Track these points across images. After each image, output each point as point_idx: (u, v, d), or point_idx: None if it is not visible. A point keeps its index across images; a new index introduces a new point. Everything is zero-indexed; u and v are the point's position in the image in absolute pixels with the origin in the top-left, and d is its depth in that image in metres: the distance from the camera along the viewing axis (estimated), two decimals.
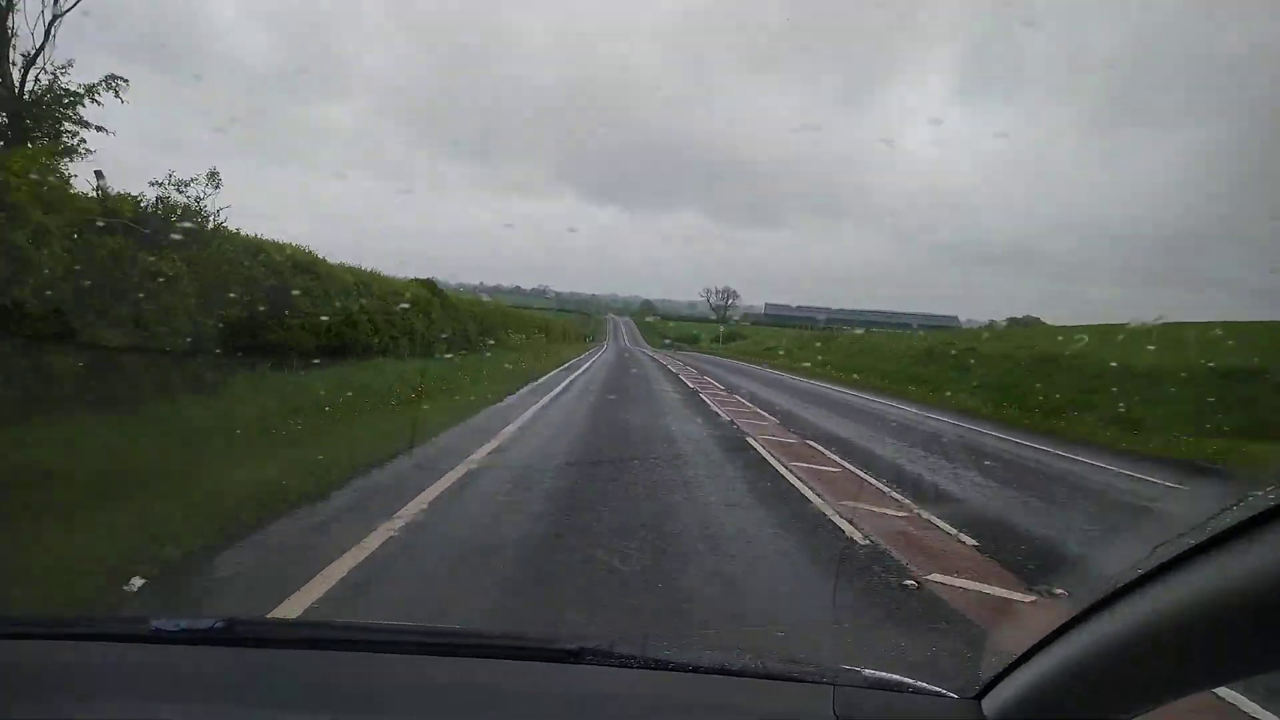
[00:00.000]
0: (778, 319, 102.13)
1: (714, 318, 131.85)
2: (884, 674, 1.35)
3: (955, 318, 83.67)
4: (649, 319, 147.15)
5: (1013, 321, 39.03)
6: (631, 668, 1.36)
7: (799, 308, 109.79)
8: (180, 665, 1.35)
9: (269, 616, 2.73)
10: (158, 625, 1.39)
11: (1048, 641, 1.04)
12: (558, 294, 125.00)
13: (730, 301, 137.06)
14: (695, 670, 1.37)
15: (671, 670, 1.36)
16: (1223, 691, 3.28)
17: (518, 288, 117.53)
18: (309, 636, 1.50)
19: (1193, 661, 0.83)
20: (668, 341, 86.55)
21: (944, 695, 1.28)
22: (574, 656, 1.37)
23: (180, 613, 2.03)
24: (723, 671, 1.37)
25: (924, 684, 1.31)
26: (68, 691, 1.26)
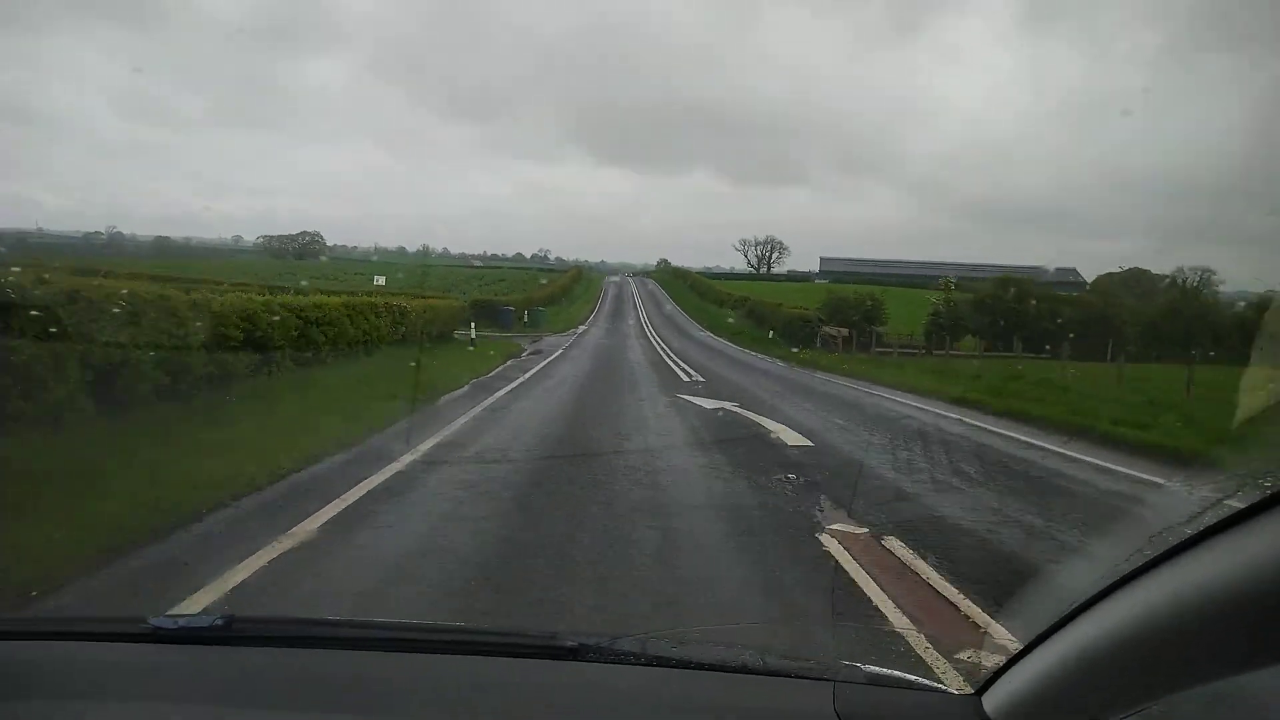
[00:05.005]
0: (853, 277, 73.11)
1: (755, 275, 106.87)
2: (884, 670, 1.37)
3: (1074, 269, 65.05)
4: (672, 268, 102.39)
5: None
6: (632, 664, 1.38)
7: (862, 261, 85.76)
8: (178, 664, 1.37)
9: (268, 615, 2.53)
10: (156, 623, 1.40)
11: (1047, 635, 1.03)
12: (560, 260, 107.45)
13: (776, 256, 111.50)
14: (696, 667, 1.37)
15: (672, 667, 1.37)
16: None
17: (519, 255, 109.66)
18: (308, 634, 1.50)
19: (1196, 654, 0.81)
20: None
21: (944, 691, 1.30)
22: (574, 654, 1.37)
23: (178, 611, 1.99)
24: (723, 668, 1.37)
25: (924, 680, 1.35)
26: (65, 691, 1.27)
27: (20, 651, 1.38)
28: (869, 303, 35.62)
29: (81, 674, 1.31)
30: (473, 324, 23.29)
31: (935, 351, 32.31)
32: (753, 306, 46.93)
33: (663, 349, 26.38)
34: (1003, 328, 34.10)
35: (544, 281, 58.39)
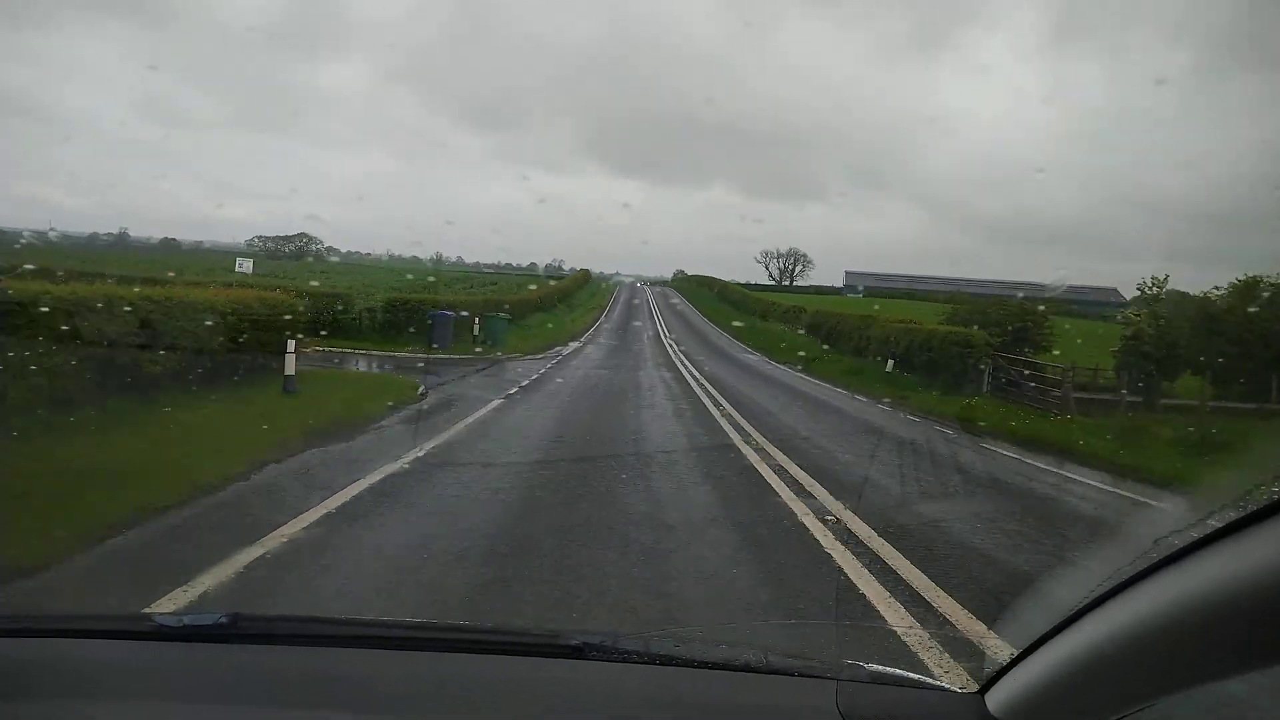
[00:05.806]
0: (880, 291, 61.28)
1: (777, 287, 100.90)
2: (887, 669, 1.34)
3: (1115, 289, 50.83)
4: (696, 276, 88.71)
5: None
6: (634, 663, 1.36)
7: (887, 276, 79.52)
8: (183, 662, 1.35)
9: (273, 613, 2.51)
10: (159, 621, 1.39)
11: (1052, 635, 1.02)
12: (574, 270, 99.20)
13: (799, 268, 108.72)
14: (699, 665, 1.36)
15: (675, 666, 1.35)
16: None
17: (533, 264, 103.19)
18: (312, 633, 1.49)
19: (1198, 655, 0.81)
20: None
21: (947, 690, 1.27)
22: (577, 652, 1.36)
23: (183, 609, 1.94)
24: (726, 667, 1.36)
25: (927, 679, 1.32)
26: (68, 689, 1.25)
27: (22, 649, 1.37)
28: (1027, 320, 22.34)
29: (84, 672, 1.29)
30: (291, 343, 10.43)
31: (1159, 400, 19.19)
32: (814, 320, 33.56)
33: (717, 404, 13.04)
34: (1255, 363, 20.43)
35: (551, 284, 45.71)
